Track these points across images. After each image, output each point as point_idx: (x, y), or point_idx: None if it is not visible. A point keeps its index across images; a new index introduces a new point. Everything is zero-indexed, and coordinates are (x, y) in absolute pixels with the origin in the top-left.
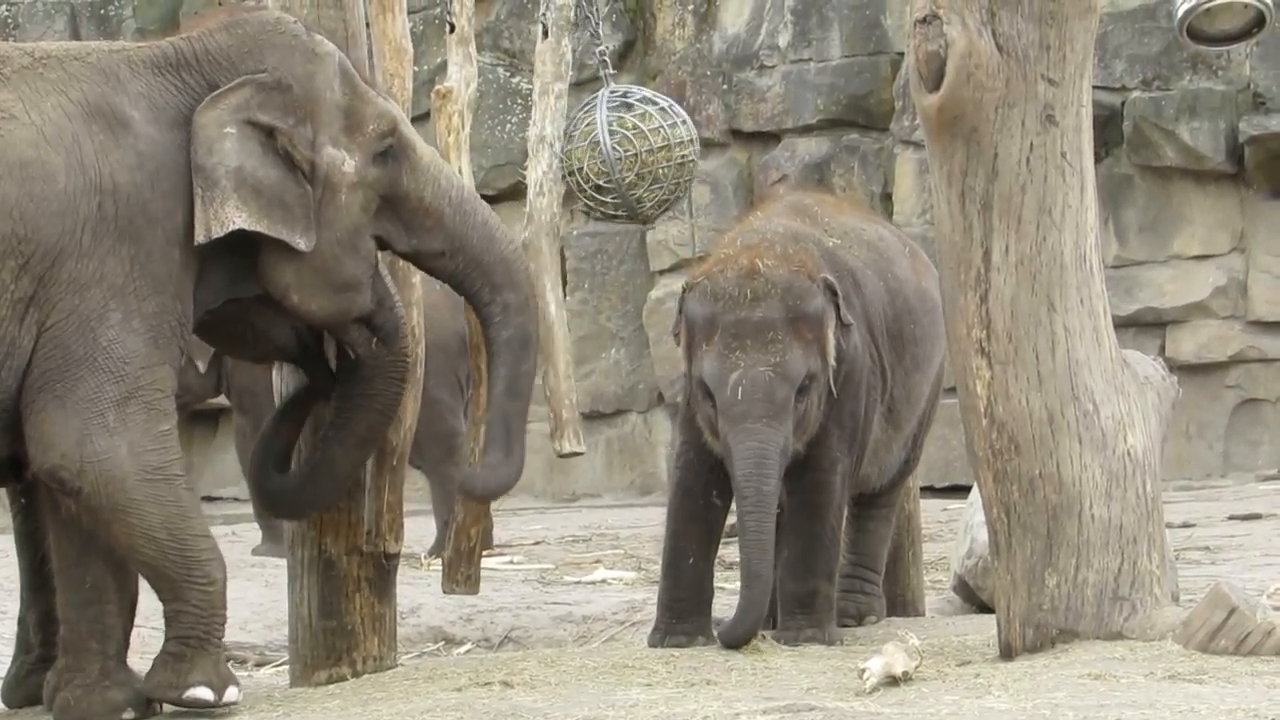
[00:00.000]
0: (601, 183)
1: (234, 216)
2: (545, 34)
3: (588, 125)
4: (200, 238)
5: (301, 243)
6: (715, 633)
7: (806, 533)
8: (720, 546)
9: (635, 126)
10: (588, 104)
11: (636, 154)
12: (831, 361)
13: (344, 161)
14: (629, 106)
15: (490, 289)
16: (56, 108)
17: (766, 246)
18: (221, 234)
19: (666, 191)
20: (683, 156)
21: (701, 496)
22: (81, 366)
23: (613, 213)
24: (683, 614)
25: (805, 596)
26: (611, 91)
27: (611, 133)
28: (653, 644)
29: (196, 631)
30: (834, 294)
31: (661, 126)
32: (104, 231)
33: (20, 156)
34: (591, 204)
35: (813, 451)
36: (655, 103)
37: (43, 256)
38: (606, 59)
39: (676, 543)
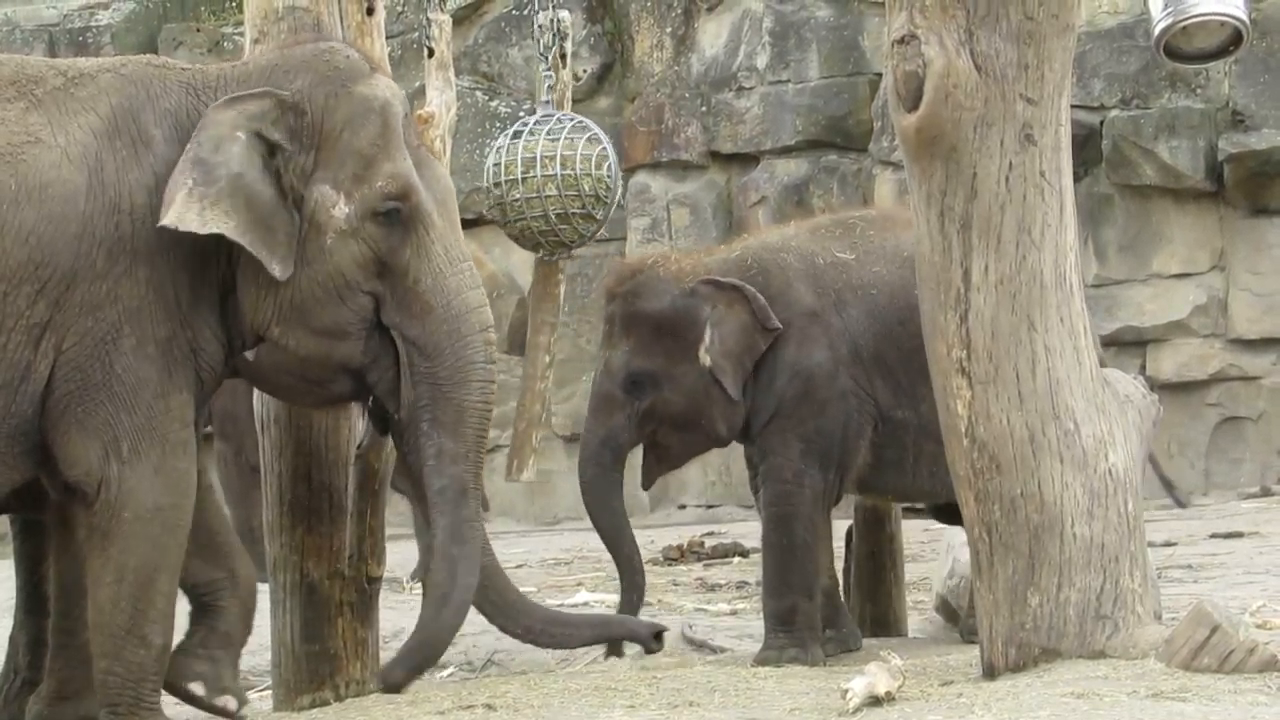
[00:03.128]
0: (487, 208)
1: (219, 221)
2: (565, 62)
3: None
4: (168, 221)
5: (277, 269)
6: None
7: (774, 545)
8: (705, 566)
9: (530, 153)
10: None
11: (515, 179)
12: (705, 361)
13: (335, 204)
14: (534, 133)
15: (431, 423)
16: (83, 126)
17: (691, 253)
18: (200, 231)
19: (556, 221)
20: (574, 186)
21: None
22: (99, 392)
23: (514, 236)
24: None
25: (784, 613)
26: (538, 118)
27: (506, 160)
28: None
29: (125, 698)
30: (738, 299)
31: (557, 155)
32: (119, 252)
33: (41, 179)
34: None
35: (772, 461)
36: (562, 132)
37: (59, 281)
38: (549, 85)
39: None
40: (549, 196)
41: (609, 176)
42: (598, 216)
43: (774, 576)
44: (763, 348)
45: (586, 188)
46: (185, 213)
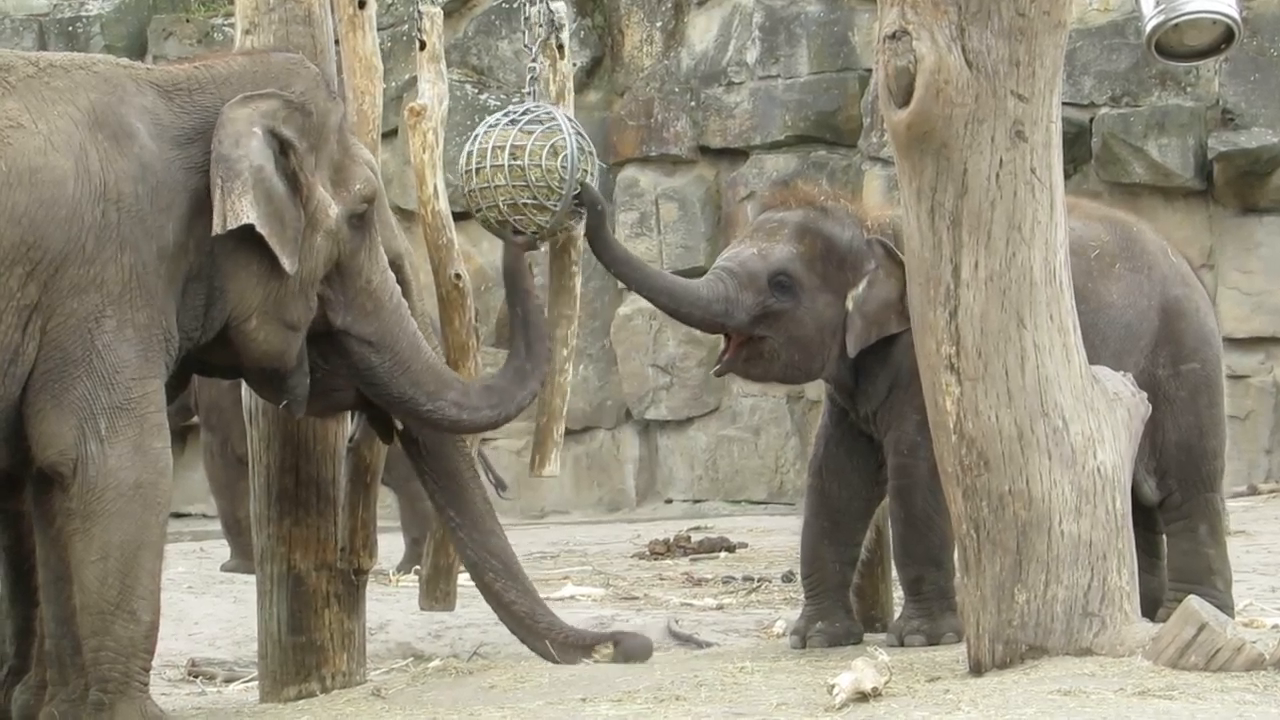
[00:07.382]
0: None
1: (248, 211)
2: (562, 52)
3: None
4: (217, 229)
5: (288, 264)
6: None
7: (896, 517)
8: (691, 561)
9: (489, 144)
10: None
11: (472, 170)
12: (848, 306)
13: (329, 206)
14: (496, 124)
15: (429, 395)
16: (63, 115)
17: (876, 205)
18: (234, 226)
19: (508, 211)
20: (521, 176)
21: None
22: (78, 368)
23: (484, 225)
24: None
25: (910, 584)
26: (508, 110)
27: (476, 149)
28: None
29: (115, 674)
30: (897, 275)
31: (508, 145)
32: (106, 239)
33: (30, 164)
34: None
35: (891, 435)
36: (541, 123)
37: (49, 263)
38: (533, 77)
39: None
40: (499, 186)
41: (561, 168)
42: (550, 206)
43: (899, 548)
44: (894, 329)
45: (534, 178)
46: (221, 213)
